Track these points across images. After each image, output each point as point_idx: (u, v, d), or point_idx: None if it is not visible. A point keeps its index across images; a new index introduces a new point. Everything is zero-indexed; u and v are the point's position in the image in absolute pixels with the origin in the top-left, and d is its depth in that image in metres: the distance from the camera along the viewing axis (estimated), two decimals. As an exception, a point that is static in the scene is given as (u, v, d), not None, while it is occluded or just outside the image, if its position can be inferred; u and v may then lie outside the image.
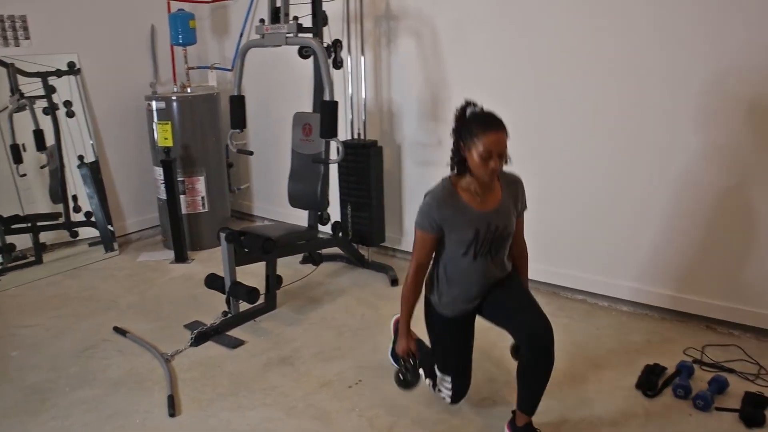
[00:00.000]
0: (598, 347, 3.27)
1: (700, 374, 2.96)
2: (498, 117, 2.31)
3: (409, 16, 4.17)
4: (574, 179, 3.70)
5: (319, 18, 3.92)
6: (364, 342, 3.40)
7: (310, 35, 3.82)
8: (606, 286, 3.73)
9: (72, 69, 4.74)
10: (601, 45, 3.43)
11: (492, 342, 3.21)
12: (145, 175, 5.20)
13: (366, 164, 4.24)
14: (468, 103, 2.38)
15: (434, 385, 2.73)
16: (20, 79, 4.45)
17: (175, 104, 4.76)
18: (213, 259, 4.66)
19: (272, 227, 4.24)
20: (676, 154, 3.32)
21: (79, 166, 4.82)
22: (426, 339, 2.77)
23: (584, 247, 3.76)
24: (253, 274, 3.81)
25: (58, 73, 4.67)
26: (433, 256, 2.55)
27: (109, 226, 4.93)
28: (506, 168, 2.40)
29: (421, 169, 4.39)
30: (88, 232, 4.86)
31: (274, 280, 3.78)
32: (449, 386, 2.65)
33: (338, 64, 4.09)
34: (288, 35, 3.64)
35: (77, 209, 4.80)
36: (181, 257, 4.74)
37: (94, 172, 4.87)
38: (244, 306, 3.66)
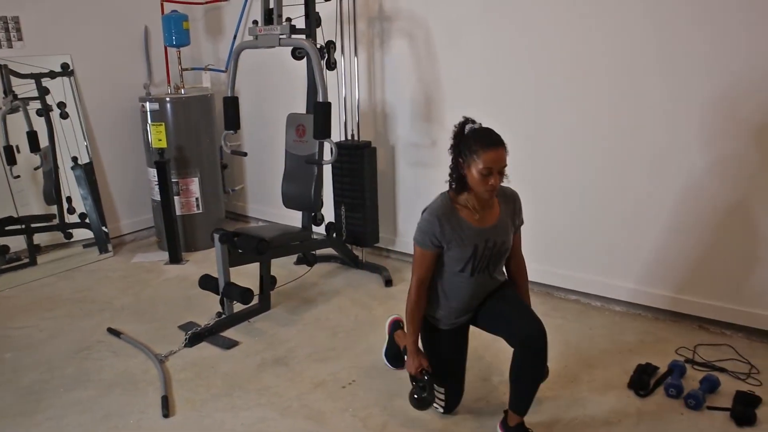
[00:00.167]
0: (590, 347, 3.29)
1: (692, 373, 2.98)
2: (497, 134, 2.32)
3: (402, 18, 4.19)
4: (570, 180, 3.72)
5: (313, 19, 3.92)
6: (358, 342, 3.41)
7: (304, 36, 3.83)
8: (599, 287, 3.74)
9: (65, 70, 4.74)
10: (601, 46, 3.45)
11: (486, 343, 3.22)
12: (139, 177, 5.20)
13: (360, 165, 4.25)
14: (466, 120, 2.39)
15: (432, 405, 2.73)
16: (13, 80, 4.44)
17: (168, 105, 4.76)
18: (207, 260, 4.67)
19: (266, 228, 4.25)
20: (673, 156, 3.33)
21: (73, 168, 4.81)
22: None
23: (578, 248, 3.78)
24: (247, 275, 3.82)
25: (52, 75, 4.67)
26: None
27: (104, 228, 4.93)
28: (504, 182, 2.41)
29: (415, 169, 4.40)
30: (82, 234, 4.86)
31: (268, 281, 3.79)
32: (442, 397, 2.67)
33: (332, 65, 4.10)
34: (281, 36, 3.65)
35: (71, 211, 4.80)
36: (175, 258, 4.75)
37: (88, 174, 4.87)
38: (238, 307, 3.67)
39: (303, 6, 3.94)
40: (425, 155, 4.27)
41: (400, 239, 4.63)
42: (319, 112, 3.59)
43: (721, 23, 3.07)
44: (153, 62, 5.29)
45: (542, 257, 3.86)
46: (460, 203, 2.43)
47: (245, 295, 3.51)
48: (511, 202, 2.54)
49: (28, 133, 4.55)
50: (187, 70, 5.18)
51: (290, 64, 4.31)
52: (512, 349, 2.42)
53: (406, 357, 2.69)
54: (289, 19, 3.73)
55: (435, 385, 2.63)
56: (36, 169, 4.64)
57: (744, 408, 2.64)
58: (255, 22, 3.77)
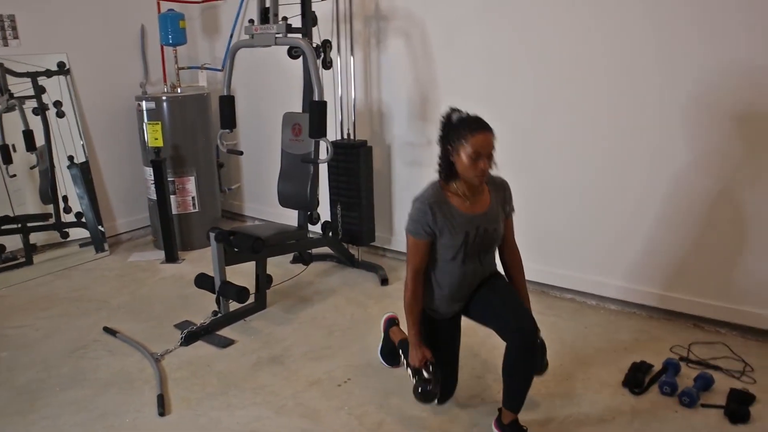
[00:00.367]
0: (585, 345, 3.30)
1: (686, 371, 2.99)
2: (484, 120, 2.34)
3: (399, 17, 4.19)
4: (565, 179, 3.72)
5: (309, 18, 3.93)
6: (354, 341, 3.42)
7: (300, 35, 3.83)
8: (594, 285, 3.75)
9: (62, 69, 4.74)
10: (592, 47, 3.46)
11: (480, 340, 3.24)
12: (136, 176, 5.19)
13: (356, 164, 4.25)
14: (453, 110, 2.41)
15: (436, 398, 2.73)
16: (9, 79, 4.44)
17: (165, 104, 4.76)
18: (203, 259, 4.67)
19: (262, 227, 4.25)
20: (666, 155, 3.34)
21: (69, 167, 4.81)
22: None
23: (573, 247, 3.79)
24: (243, 274, 3.82)
25: (48, 73, 4.66)
26: None
27: (100, 227, 4.93)
28: (493, 172, 2.42)
29: (411, 168, 4.40)
30: (78, 233, 4.86)
31: (264, 280, 3.80)
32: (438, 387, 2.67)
33: (328, 64, 4.10)
34: (277, 35, 3.65)
35: (67, 210, 4.80)
36: (171, 257, 4.75)
37: (84, 173, 4.87)
38: (234, 305, 3.67)
39: (299, 5, 3.94)
40: (421, 154, 4.28)
41: (396, 238, 4.63)
42: (315, 111, 3.59)
43: (706, 23, 3.11)
44: (149, 61, 5.29)
45: (537, 256, 3.87)
46: (451, 191, 2.44)
47: (241, 293, 3.51)
48: (501, 189, 2.55)
49: (24, 132, 4.55)
50: (183, 68, 5.17)
51: (286, 63, 4.32)
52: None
53: (401, 352, 2.69)
54: (285, 18, 3.73)
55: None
56: (32, 168, 4.64)
57: (738, 406, 2.65)
58: (251, 21, 3.77)
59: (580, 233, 3.74)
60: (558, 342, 3.31)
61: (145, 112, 4.75)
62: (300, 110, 4.18)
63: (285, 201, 4.14)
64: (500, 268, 2.72)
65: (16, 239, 4.53)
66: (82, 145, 4.87)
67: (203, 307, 3.78)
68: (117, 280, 4.42)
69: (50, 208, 4.72)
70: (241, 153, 4.50)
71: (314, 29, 4.00)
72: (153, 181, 4.68)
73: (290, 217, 4.48)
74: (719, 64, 3.11)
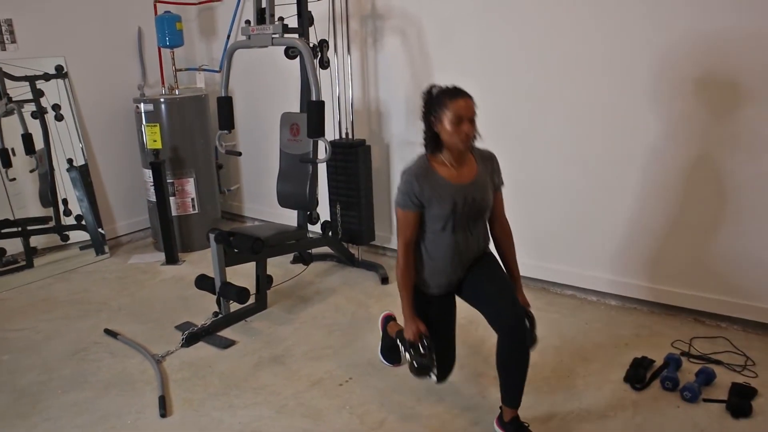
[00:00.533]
0: (586, 341, 3.30)
1: (687, 366, 2.99)
2: (462, 88, 2.40)
3: (395, 16, 4.19)
4: (564, 176, 3.72)
5: (305, 18, 3.92)
6: (355, 340, 3.42)
7: (296, 35, 3.83)
8: (595, 281, 3.75)
9: (60, 72, 4.74)
10: (600, 46, 3.46)
11: (480, 338, 3.24)
12: (135, 178, 5.19)
13: (354, 163, 4.25)
14: (432, 86, 2.45)
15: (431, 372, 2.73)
16: (8, 83, 4.44)
17: (163, 106, 4.76)
18: (204, 261, 4.67)
19: (262, 227, 4.25)
20: (661, 150, 3.35)
21: (68, 170, 4.81)
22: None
23: (573, 243, 3.79)
24: (243, 275, 3.82)
25: (46, 77, 4.66)
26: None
27: (100, 229, 4.93)
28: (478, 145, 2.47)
29: (410, 167, 4.39)
30: (78, 236, 4.86)
31: (264, 280, 3.80)
32: (436, 365, 2.65)
33: (325, 64, 4.10)
34: (274, 36, 3.65)
35: (67, 213, 4.80)
36: (171, 259, 4.75)
37: (83, 176, 4.87)
38: (234, 306, 3.67)
39: (295, 5, 3.94)
40: (420, 152, 4.27)
41: (396, 237, 4.62)
42: (313, 110, 3.59)
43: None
44: (147, 63, 5.29)
45: (537, 253, 3.87)
46: (438, 162, 2.46)
47: (242, 294, 3.51)
48: (488, 160, 2.56)
49: (23, 135, 4.55)
50: (181, 70, 5.18)
51: (283, 64, 4.31)
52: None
53: (399, 341, 2.67)
54: (281, 19, 3.73)
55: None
56: (31, 171, 4.64)
57: (740, 400, 2.65)
58: (248, 22, 3.77)
59: (579, 229, 3.74)
60: (559, 338, 3.31)
61: (143, 115, 4.76)
62: (298, 110, 4.18)
63: (284, 201, 4.14)
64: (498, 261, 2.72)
65: (16, 242, 4.53)
66: (81, 148, 4.87)
67: (204, 308, 3.78)
68: (117, 282, 4.42)
69: (50, 212, 4.72)
70: (240, 154, 4.50)
71: (311, 29, 4.00)
72: (152, 183, 4.69)
73: (290, 218, 4.48)
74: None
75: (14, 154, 4.52)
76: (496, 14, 3.75)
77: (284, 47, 4.02)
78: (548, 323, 3.48)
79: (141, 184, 5.10)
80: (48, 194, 4.70)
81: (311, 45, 3.83)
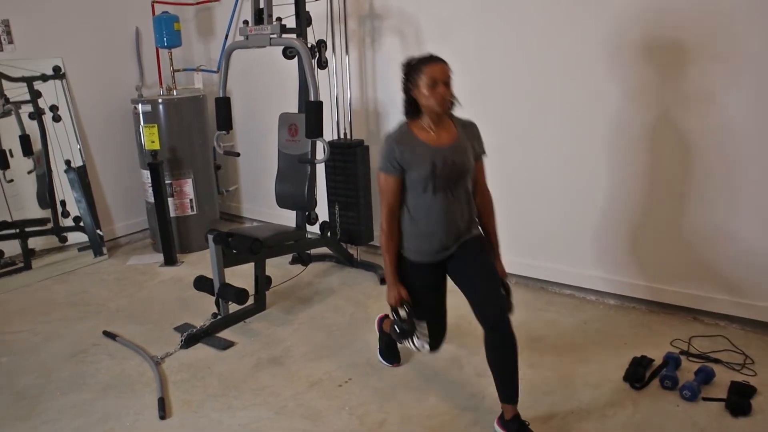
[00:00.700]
0: (585, 341, 3.30)
1: (686, 365, 2.99)
2: (438, 54, 2.50)
3: (393, 15, 4.19)
4: (562, 176, 3.72)
5: (303, 18, 3.92)
6: (354, 341, 3.42)
7: (294, 36, 3.83)
8: (593, 280, 3.75)
9: (57, 73, 4.73)
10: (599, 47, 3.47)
11: (479, 338, 3.22)
12: (133, 179, 5.19)
13: (353, 164, 4.24)
14: (410, 58, 2.55)
15: (412, 337, 2.78)
16: (5, 84, 4.44)
17: (161, 107, 4.76)
18: (202, 262, 4.66)
19: (260, 228, 4.25)
20: (659, 146, 3.35)
21: (66, 171, 4.81)
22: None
23: (571, 243, 3.79)
24: (242, 276, 3.82)
25: (44, 78, 4.66)
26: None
27: (98, 231, 4.92)
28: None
29: (409, 167, 4.39)
30: (76, 237, 4.85)
31: (263, 281, 3.80)
32: (426, 332, 2.71)
33: (323, 64, 4.10)
34: (272, 36, 3.65)
35: (65, 214, 4.80)
36: (170, 260, 4.74)
37: (81, 177, 4.87)
38: (233, 307, 3.67)
39: (293, 5, 3.94)
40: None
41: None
42: (311, 111, 3.59)
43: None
44: (145, 64, 5.29)
45: (536, 252, 3.87)
46: (417, 127, 2.54)
47: (240, 295, 3.51)
48: (469, 127, 2.62)
49: (20, 136, 4.54)
50: (178, 71, 5.17)
51: (282, 64, 4.31)
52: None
53: (393, 324, 2.68)
54: (279, 19, 3.73)
55: (418, 323, 2.66)
56: (29, 172, 4.64)
57: (739, 398, 2.65)
58: (246, 22, 3.77)
59: (577, 228, 3.73)
60: (558, 338, 3.31)
61: (141, 115, 4.75)
62: (296, 111, 4.18)
63: (283, 202, 4.13)
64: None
65: (14, 244, 4.52)
66: (79, 149, 4.87)
67: (203, 309, 3.77)
68: (116, 283, 4.42)
69: (48, 213, 4.72)
70: (238, 154, 4.50)
71: (309, 29, 4.00)
72: (150, 184, 4.68)
73: (288, 218, 4.47)
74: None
75: (12, 156, 4.51)
76: (494, 14, 3.75)
77: (282, 47, 4.02)
78: (547, 323, 3.49)
79: (139, 185, 5.09)
80: (46, 196, 4.70)
81: (309, 45, 3.82)
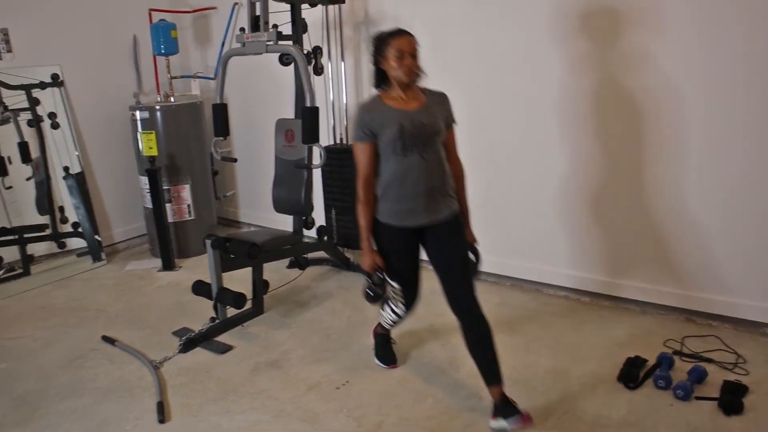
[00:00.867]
0: (580, 342, 3.32)
1: (680, 365, 3.02)
2: (405, 28, 2.61)
3: (388, 22, 4.20)
4: (560, 179, 3.76)
5: (299, 25, 3.96)
6: (351, 344, 3.44)
7: (290, 42, 3.86)
8: (587, 282, 3.78)
9: (55, 81, 4.76)
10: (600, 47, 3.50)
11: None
12: (131, 185, 5.21)
13: (349, 168, 4.27)
14: (378, 32, 2.65)
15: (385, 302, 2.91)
16: (4, 92, 4.46)
17: (158, 113, 4.78)
18: (200, 266, 4.68)
19: (258, 233, 4.27)
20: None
21: (64, 177, 4.83)
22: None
23: (566, 245, 3.81)
24: (239, 280, 3.84)
25: (42, 86, 4.69)
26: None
27: (96, 236, 4.95)
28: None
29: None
30: (75, 243, 4.88)
31: (260, 285, 3.82)
32: (400, 294, 2.80)
33: (319, 70, 4.13)
34: (268, 43, 3.68)
35: (64, 220, 4.82)
36: (168, 265, 4.76)
37: (80, 183, 4.89)
38: (231, 311, 3.69)
39: (289, 12, 3.97)
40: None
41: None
42: (307, 116, 3.62)
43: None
44: (142, 71, 5.32)
45: (530, 255, 3.90)
46: (387, 97, 2.64)
47: (238, 299, 3.53)
48: (438, 96, 2.72)
49: (19, 143, 4.57)
50: (176, 78, 5.19)
51: (278, 70, 4.34)
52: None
53: (369, 291, 2.75)
54: (275, 26, 3.76)
55: (393, 286, 2.75)
56: (28, 179, 4.66)
57: (731, 397, 2.68)
58: (242, 30, 3.80)
59: (572, 231, 3.77)
60: (553, 339, 3.34)
61: (139, 122, 4.78)
62: (292, 116, 4.21)
63: (280, 206, 4.16)
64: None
65: (13, 250, 4.55)
66: (77, 156, 4.89)
67: (201, 313, 3.79)
68: (114, 289, 4.44)
69: (47, 219, 4.74)
70: (236, 160, 4.53)
71: (305, 36, 4.03)
72: (148, 190, 4.70)
73: (285, 223, 4.50)
74: None
75: (11, 163, 4.53)
76: (488, 19, 3.78)
77: (279, 54, 4.06)
78: (542, 324, 3.51)
79: (137, 191, 5.12)
80: (44, 202, 4.72)
81: (305, 52, 3.86)
